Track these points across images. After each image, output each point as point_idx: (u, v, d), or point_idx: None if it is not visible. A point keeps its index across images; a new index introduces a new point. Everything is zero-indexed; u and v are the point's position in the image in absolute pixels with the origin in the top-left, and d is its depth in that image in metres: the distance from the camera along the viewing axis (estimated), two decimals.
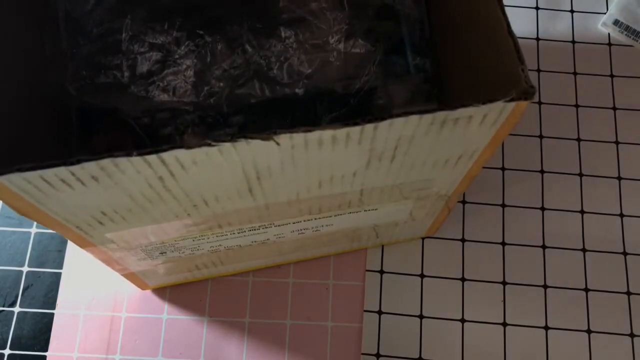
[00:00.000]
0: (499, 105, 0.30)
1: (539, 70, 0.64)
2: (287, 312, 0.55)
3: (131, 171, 0.30)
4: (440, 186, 0.42)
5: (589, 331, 0.54)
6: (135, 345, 0.53)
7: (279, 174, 0.34)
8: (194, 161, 0.30)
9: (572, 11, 0.67)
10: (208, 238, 0.43)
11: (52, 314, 0.54)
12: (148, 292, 0.55)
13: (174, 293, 0.55)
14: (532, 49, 0.65)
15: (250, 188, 0.35)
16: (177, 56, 0.45)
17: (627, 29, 0.64)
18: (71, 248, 0.57)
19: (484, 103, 0.30)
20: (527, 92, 0.30)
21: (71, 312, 0.54)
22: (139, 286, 0.53)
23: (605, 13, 0.67)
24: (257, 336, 0.54)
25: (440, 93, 0.45)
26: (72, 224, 0.35)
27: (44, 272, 0.56)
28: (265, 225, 0.43)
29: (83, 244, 0.39)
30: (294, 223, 0.44)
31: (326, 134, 0.30)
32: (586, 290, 0.56)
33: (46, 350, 0.53)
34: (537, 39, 0.65)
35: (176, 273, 0.51)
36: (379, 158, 0.34)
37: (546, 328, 0.54)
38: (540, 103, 0.63)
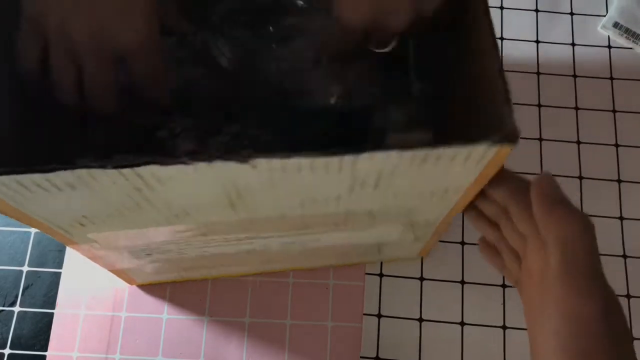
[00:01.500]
0: (481, 147, 0.30)
1: (538, 73, 0.63)
2: (287, 312, 0.55)
3: (107, 182, 0.30)
4: (428, 215, 0.42)
5: None
6: (135, 345, 0.54)
7: (260, 193, 0.34)
8: (170, 176, 0.30)
9: (571, 14, 0.66)
10: (193, 245, 0.43)
11: (52, 314, 0.54)
12: (148, 292, 0.55)
13: (174, 293, 0.55)
14: (531, 52, 0.64)
15: (232, 203, 0.35)
16: (175, 56, 0.45)
17: (627, 32, 0.64)
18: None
19: (465, 144, 0.30)
20: (511, 136, 0.30)
21: (71, 311, 0.54)
22: (126, 281, 0.54)
23: (604, 15, 0.66)
24: (257, 336, 0.54)
25: (436, 121, 0.44)
26: (53, 224, 0.35)
27: (44, 272, 0.56)
28: (250, 237, 0.43)
29: (66, 241, 0.39)
30: (279, 237, 0.43)
31: (304, 161, 0.30)
32: None
33: (46, 350, 0.53)
34: (537, 41, 0.65)
35: (164, 273, 0.51)
36: (362, 185, 0.34)
37: None
38: (539, 106, 0.62)
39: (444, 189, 0.36)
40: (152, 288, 0.55)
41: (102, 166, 0.28)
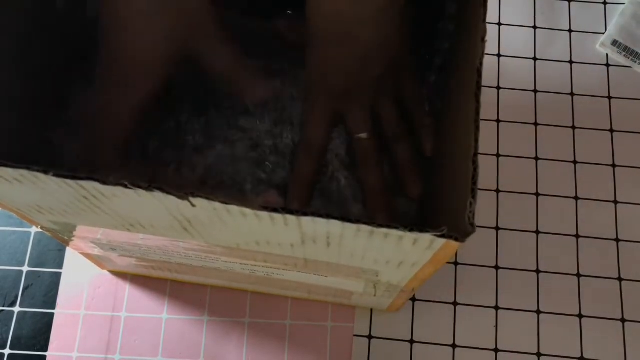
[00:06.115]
0: (427, 236, 0.29)
1: (535, 91, 0.62)
2: (287, 312, 0.55)
3: (52, 185, 0.30)
4: (390, 278, 0.41)
5: (582, 359, 0.54)
6: (135, 345, 0.54)
7: (210, 226, 0.33)
8: (114, 194, 0.30)
9: (570, 31, 0.65)
10: (155, 252, 0.43)
11: (52, 314, 0.55)
12: (148, 292, 0.56)
13: (174, 293, 0.55)
14: (529, 69, 0.63)
15: (185, 228, 0.35)
16: None
17: (626, 50, 0.62)
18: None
19: (410, 230, 0.28)
20: (462, 232, 0.29)
21: (71, 312, 0.55)
22: (98, 266, 0.54)
23: (603, 33, 0.64)
24: (257, 336, 0.54)
25: None
26: (13, 208, 0.36)
27: (44, 272, 0.56)
28: (210, 257, 0.42)
29: (30, 222, 0.40)
30: (241, 263, 0.43)
31: (247, 209, 0.29)
32: (580, 316, 0.55)
33: (46, 350, 0.54)
34: (534, 58, 0.64)
35: (134, 267, 0.51)
36: (314, 241, 0.33)
37: (538, 355, 0.54)
38: (536, 124, 0.61)
39: (399, 261, 0.35)
40: (151, 288, 0.55)
41: (45, 171, 0.28)
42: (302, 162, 0.45)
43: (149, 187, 0.28)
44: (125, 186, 0.28)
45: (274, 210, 0.28)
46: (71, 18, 0.45)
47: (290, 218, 0.29)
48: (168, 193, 0.28)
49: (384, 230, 0.29)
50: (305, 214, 0.29)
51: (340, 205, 0.46)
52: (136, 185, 0.28)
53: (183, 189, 0.28)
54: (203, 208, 0.30)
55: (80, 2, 0.44)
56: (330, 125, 0.46)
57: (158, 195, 0.29)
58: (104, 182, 0.28)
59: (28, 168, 0.28)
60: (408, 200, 0.45)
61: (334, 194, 0.46)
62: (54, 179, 0.29)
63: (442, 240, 0.29)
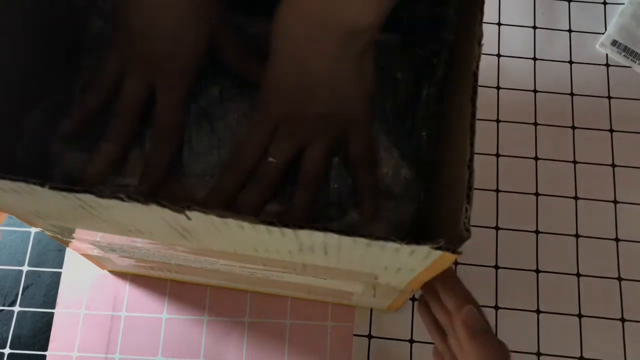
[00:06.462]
0: (424, 248, 0.29)
1: (535, 91, 0.62)
2: (287, 312, 0.55)
3: (48, 196, 0.30)
4: (389, 281, 0.41)
5: (581, 358, 0.54)
6: (135, 345, 0.54)
7: (207, 234, 0.33)
8: (111, 206, 0.30)
9: (569, 31, 0.65)
10: (154, 254, 0.43)
11: (52, 313, 0.55)
12: (148, 292, 0.56)
13: (174, 293, 0.56)
14: (528, 69, 0.63)
15: (182, 235, 0.35)
16: None
17: (626, 50, 0.63)
18: None
19: (407, 243, 0.28)
20: (458, 238, 0.29)
21: (71, 311, 0.55)
22: (98, 266, 0.54)
23: (603, 33, 0.64)
24: (257, 336, 0.55)
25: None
26: (13, 212, 0.36)
27: (44, 272, 0.56)
28: (209, 260, 0.42)
29: (30, 224, 0.40)
30: (240, 266, 0.43)
31: (244, 223, 0.29)
32: (580, 316, 0.55)
33: (46, 350, 0.54)
34: (534, 58, 0.64)
35: (134, 267, 0.52)
36: (311, 250, 0.33)
37: (538, 354, 0.54)
38: (536, 124, 0.61)
39: (397, 267, 0.35)
40: (151, 287, 0.56)
41: (41, 184, 0.28)
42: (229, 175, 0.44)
43: (145, 201, 0.28)
44: (122, 199, 0.28)
45: (271, 223, 0.28)
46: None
47: (287, 231, 0.29)
48: (164, 206, 0.28)
49: (381, 242, 0.29)
50: (302, 227, 0.29)
51: None
52: (133, 198, 0.28)
53: (180, 202, 0.28)
54: (200, 220, 0.30)
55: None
56: (265, 140, 0.43)
57: (154, 208, 0.29)
58: (100, 196, 0.28)
59: (25, 181, 0.28)
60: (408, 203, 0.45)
61: None
62: (50, 191, 0.29)
63: (439, 252, 0.29)
